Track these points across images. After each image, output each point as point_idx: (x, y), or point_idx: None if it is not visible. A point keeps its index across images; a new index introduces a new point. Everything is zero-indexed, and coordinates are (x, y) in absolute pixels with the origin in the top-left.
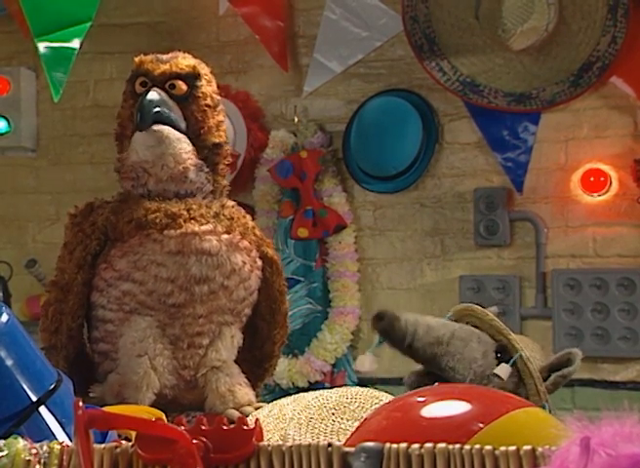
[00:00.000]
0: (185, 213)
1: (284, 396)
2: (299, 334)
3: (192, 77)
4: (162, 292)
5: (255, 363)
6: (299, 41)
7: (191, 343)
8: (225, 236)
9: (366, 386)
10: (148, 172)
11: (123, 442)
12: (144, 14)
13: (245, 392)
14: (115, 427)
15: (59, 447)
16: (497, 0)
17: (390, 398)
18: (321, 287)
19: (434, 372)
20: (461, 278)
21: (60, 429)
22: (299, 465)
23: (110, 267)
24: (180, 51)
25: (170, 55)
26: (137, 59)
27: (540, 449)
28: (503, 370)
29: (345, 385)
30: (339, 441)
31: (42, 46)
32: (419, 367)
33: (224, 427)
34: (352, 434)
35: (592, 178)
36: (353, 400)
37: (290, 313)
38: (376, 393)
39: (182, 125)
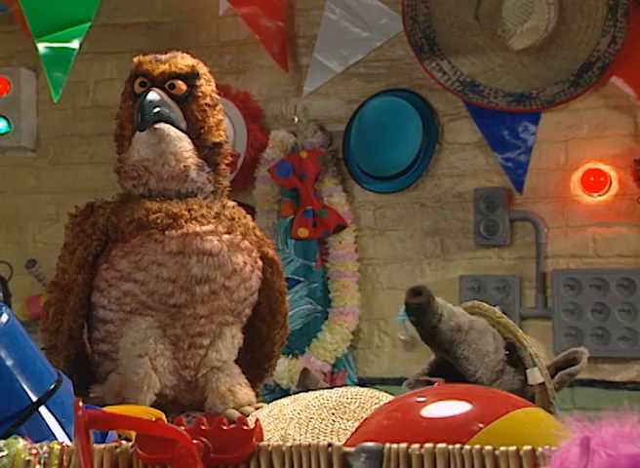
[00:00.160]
0: (187, 213)
1: (284, 396)
2: (299, 335)
3: (192, 77)
4: (163, 293)
5: (255, 363)
6: (299, 41)
7: (192, 343)
8: (226, 236)
9: (366, 386)
10: (149, 170)
11: (123, 442)
12: (144, 14)
13: (245, 392)
14: (115, 427)
15: (59, 447)
16: (497, 0)
17: (390, 398)
18: (321, 287)
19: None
20: (462, 278)
21: (60, 429)
22: (299, 465)
23: (111, 267)
24: (179, 51)
25: (168, 55)
26: (135, 60)
27: (540, 450)
28: (534, 374)
29: (345, 385)
30: (339, 441)
31: (42, 46)
32: (418, 370)
33: (224, 427)
34: (352, 434)
35: (592, 178)
36: (353, 400)
37: (290, 313)
38: (376, 393)
39: (183, 125)
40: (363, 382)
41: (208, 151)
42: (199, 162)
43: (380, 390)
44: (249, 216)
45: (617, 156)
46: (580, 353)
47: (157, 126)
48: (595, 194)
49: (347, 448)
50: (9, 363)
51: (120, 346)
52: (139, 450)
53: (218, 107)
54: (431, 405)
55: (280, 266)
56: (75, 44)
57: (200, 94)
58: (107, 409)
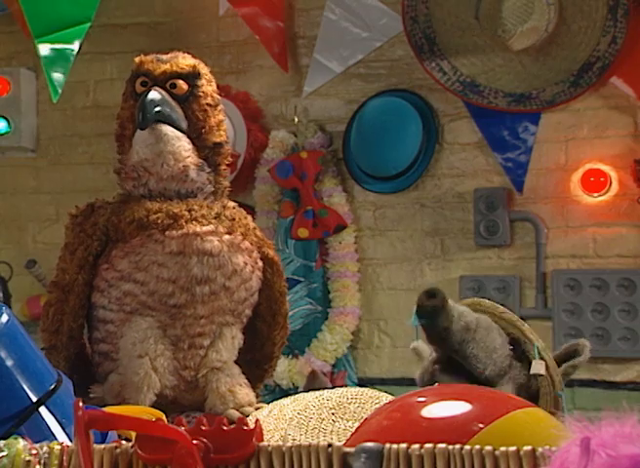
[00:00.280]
0: (187, 213)
1: (284, 396)
2: (299, 335)
3: (193, 76)
4: (163, 293)
5: (255, 363)
6: (299, 41)
7: (192, 344)
8: (227, 237)
9: (366, 386)
10: (149, 170)
11: (123, 442)
12: (145, 14)
13: (245, 392)
14: (115, 427)
15: (59, 447)
16: (497, 0)
17: (390, 398)
18: (321, 287)
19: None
20: (462, 278)
21: (60, 429)
22: (299, 465)
23: (112, 268)
24: (179, 51)
25: (170, 55)
26: (137, 60)
27: (540, 450)
28: (538, 366)
29: (345, 385)
30: (339, 441)
31: (42, 46)
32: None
33: (225, 428)
34: (352, 434)
35: (592, 179)
36: (353, 400)
37: (290, 313)
38: (376, 393)
39: (184, 124)
40: (363, 382)
41: (208, 151)
42: (199, 162)
43: (380, 390)
44: (249, 217)
45: (617, 156)
46: (582, 345)
47: (155, 126)
48: (595, 194)
49: (347, 449)
50: (9, 363)
51: (120, 346)
52: (139, 451)
53: (219, 107)
54: (431, 405)
55: (280, 267)
56: (75, 44)
57: (201, 93)
58: (107, 409)
